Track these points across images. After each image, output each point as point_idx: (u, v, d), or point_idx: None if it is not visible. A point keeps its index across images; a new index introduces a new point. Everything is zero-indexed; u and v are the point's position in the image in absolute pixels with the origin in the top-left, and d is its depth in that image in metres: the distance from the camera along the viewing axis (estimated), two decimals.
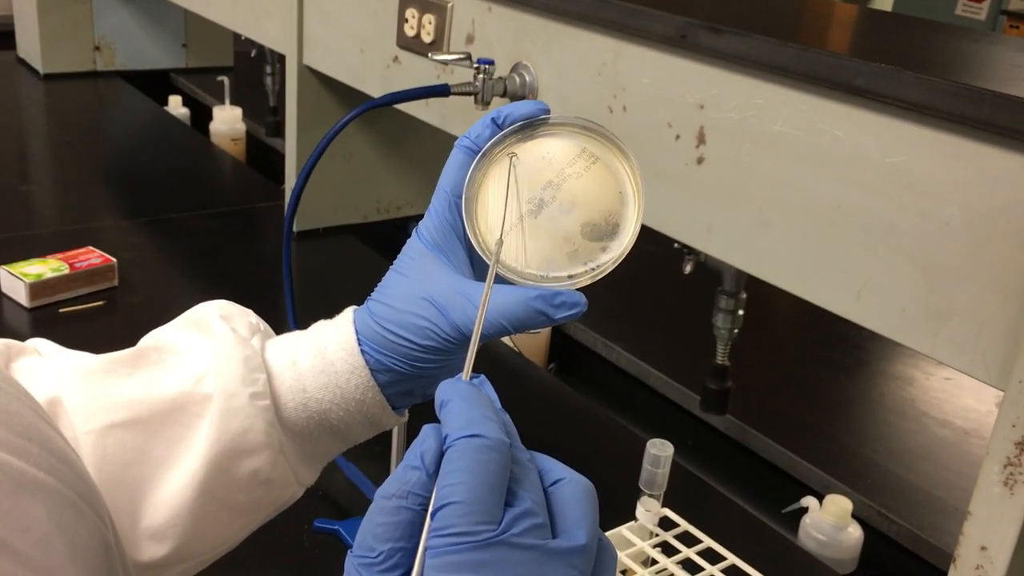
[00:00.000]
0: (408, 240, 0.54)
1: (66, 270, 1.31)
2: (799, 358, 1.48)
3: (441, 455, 0.38)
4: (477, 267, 0.53)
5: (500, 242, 0.50)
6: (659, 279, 1.60)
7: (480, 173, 0.51)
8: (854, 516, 1.03)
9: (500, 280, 0.50)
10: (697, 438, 1.26)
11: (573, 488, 0.40)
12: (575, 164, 0.52)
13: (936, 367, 1.37)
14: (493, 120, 0.52)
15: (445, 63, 1.11)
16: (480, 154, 0.52)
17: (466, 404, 0.40)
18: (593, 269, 0.50)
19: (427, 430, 0.39)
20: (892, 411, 1.30)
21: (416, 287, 0.52)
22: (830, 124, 0.77)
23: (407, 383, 0.55)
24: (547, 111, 0.52)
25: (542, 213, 0.51)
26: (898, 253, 0.74)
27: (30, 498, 0.34)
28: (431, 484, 0.38)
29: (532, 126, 0.52)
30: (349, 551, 0.39)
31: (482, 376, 0.43)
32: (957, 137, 0.70)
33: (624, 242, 0.51)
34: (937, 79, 0.69)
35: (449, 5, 1.16)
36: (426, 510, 0.37)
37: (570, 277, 0.50)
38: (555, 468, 0.41)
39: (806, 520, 1.05)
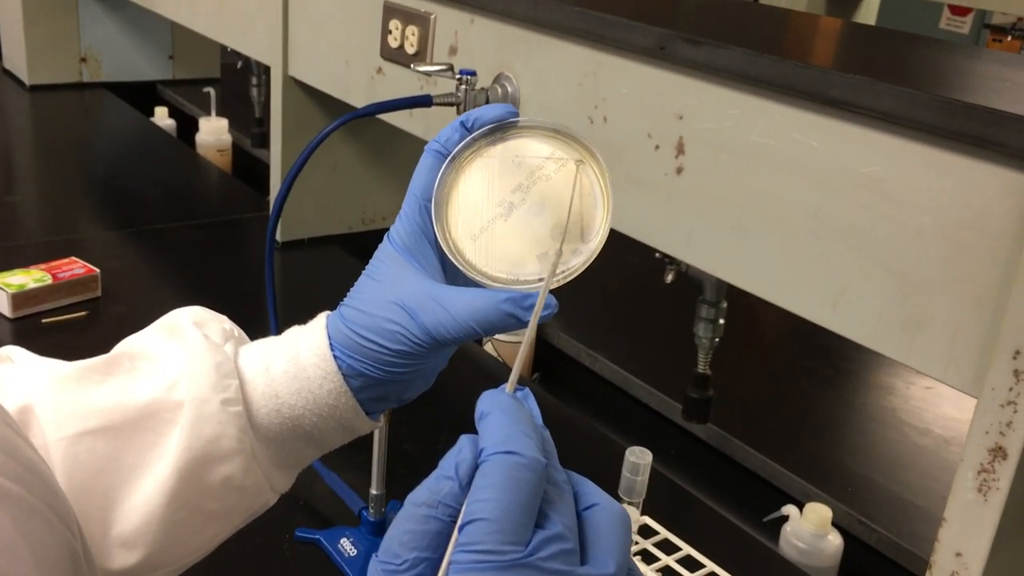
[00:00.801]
0: (380, 245, 0.54)
1: (49, 280, 1.31)
2: (781, 368, 1.49)
3: (475, 468, 0.38)
4: (448, 271, 0.54)
5: (559, 251, 0.50)
6: (642, 289, 1.60)
7: (450, 176, 0.52)
8: (834, 524, 1.03)
9: (469, 282, 0.51)
10: (680, 447, 1.27)
11: (607, 515, 0.39)
12: (545, 167, 0.52)
13: (917, 376, 1.37)
14: (462, 124, 0.52)
15: (428, 74, 1.11)
16: (449, 157, 0.52)
17: (506, 418, 0.39)
18: (563, 271, 0.51)
19: (464, 440, 0.39)
20: (873, 420, 1.31)
21: (387, 291, 0.52)
22: (806, 134, 0.78)
23: (380, 388, 0.55)
24: (516, 114, 0.52)
25: (512, 215, 0.51)
26: (873, 262, 0.75)
27: None
28: (463, 496, 0.38)
29: (502, 129, 0.53)
30: (374, 555, 0.38)
31: (526, 389, 0.43)
32: (930, 147, 0.71)
33: (594, 244, 0.51)
34: (910, 90, 0.70)
35: (432, 17, 1.17)
36: (455, 522, 0.37)
37: (540, 280, 0.51)
38: (591, 492, 0.40)
39: (787, 528, 1.05)
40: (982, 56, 0.95)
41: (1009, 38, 3.99)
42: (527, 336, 0.47)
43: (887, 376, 1.42)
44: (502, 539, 0.36)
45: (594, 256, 0.51)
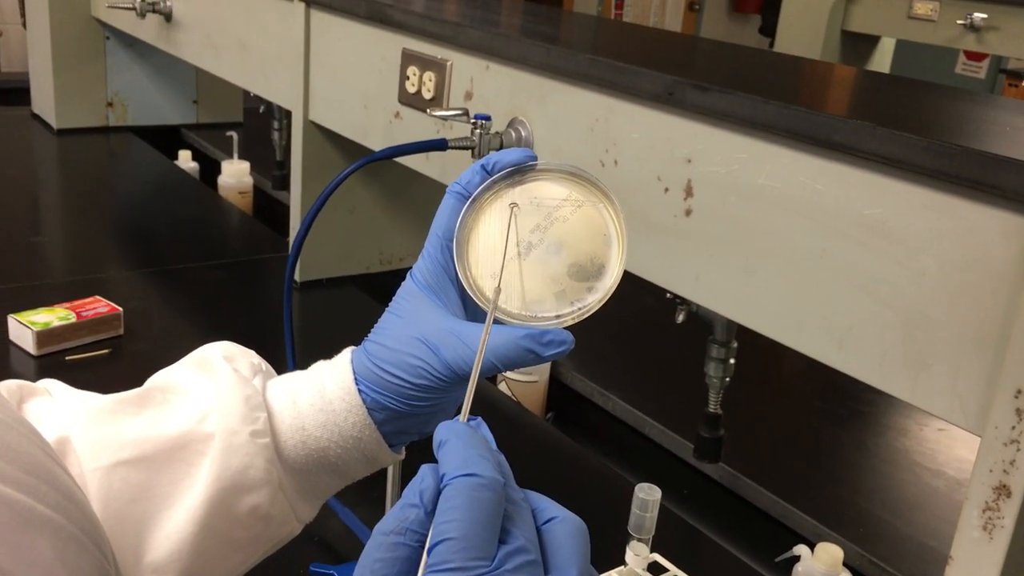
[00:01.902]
0: (403, 282, 0.56)
1: (73, 319, 1.34)
2: (794, 408, 1.49)
3: (439, 493, 0.39)
4: (469, 308, 0.56)
5: (498, 290, 0.52)
6: (654, 329, 1.62)
7: (471, 217, 0.54)
8: (846, 565, 1.03)
9: None
10: (692, 486, 1.27)
11: (565, 526, 0.41)
12: (562, 208, 0.54)
13: (930, 418, 1.38)
14: (483, 167, 0.55)
15: (444, 119, 1.15)
16: (470, 199, 0.54)
17: (462, 444, 0.41)
18: (580, 308, 0.53)
19: (425, 469, 0.41)
20: (886, 461, 1.31)
21: (410, 327, 0.54)
22: (811, 177, 0.80)
23: (403, 421, 0.57)
24: (534, 158, 0.55)
25: (530, 255, 0.53)
26: (877, 302, 0.77)
27: (36, 533, 0.36)
28: (428, 521, 0.39)
29: (520, 172, 0.55)
30: None
31: (479, 418, 0.45)
32: (930, 190, 0.72)
33: (609, 282, 0.53)
34: (910, 135, 0.72)
35: (449, 63, 1.20)
36: (423, 547, 0.39)
37: (557, 316, 0.53)
38: (548, 507, 0.42)
39: (798, 568, 1.05)
40: (987, 102, 0.97)
41: (1023, 83, 4.01)
42: (474, 371, 0.49)
43: (900, 417, 1.42)
44: (468, 556, 0.37)
45: (609, 294, 0.53)
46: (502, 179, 0.55)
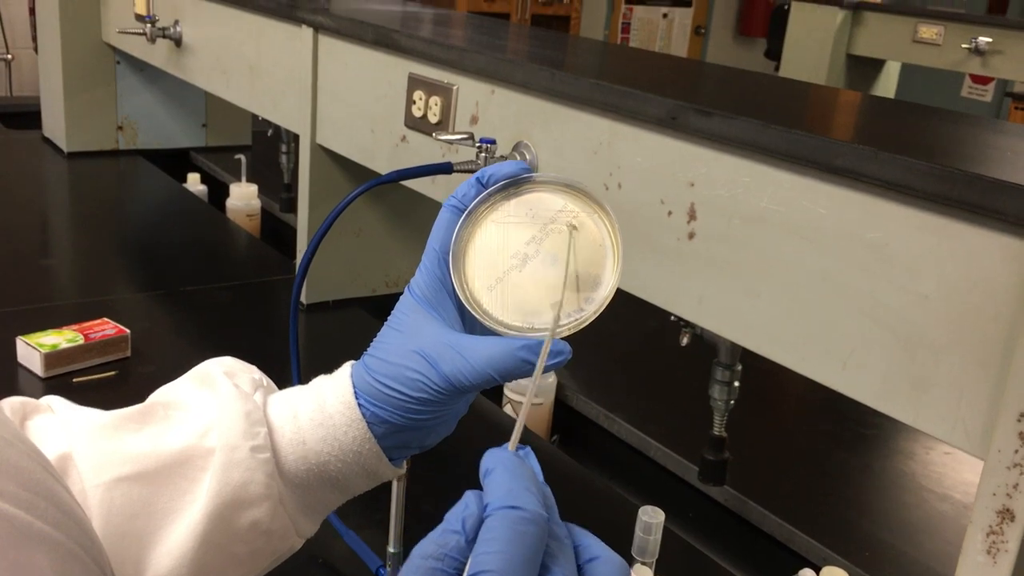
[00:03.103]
0: (401, 296, 0.57)
1: (81, 341, 1.35)
2: (800, 431, 1.49)
3: (481, 522, 0.39)
4: (467, 321, 0.56)
5: (556, 321, 0.52)
6: (659, 352, 1.62)
7: (466, 231, 0.55)
8: None
9: (487, 331, 0.53)
10: (697, 509, 1.27)
11: (607, 567, 0.41)
12: (557, 219, 0.55)
13: (936, 441, 1.37)
14: (478, 180, 0.55)
15: (450, 142, 1.15)
16: (466, 212, 0.55)
17: (509, 475, 0.41)
18: (576, 319, 0.53)
19: (469, 496, 0.41)
20: (892, 484, 1.31)
21: (408, 341, 0.55)
22: (813, 201, 0.81)
23: (403, 435, 0.57)
24: (529, 170, 0.55)
25: (526, 266, 0.54)
26: (880, 325, 0.77)
27: (35, 550, 0.36)
28: (468, 550, 0.39)
29: (516, 184, 0.55)
30: None
31: (528, 448, 0.45)
32: (932, 214, 0.73)
33: (605, 292, 0.54)
34: (912, 159, 0.73)
35: (455, 88, 1.21)
36: (460, 574, 0.38)
37: (555, 328, 0.53)
38: (592, 545, 0.42)
39: None
40: (988, 126, 0.98)
41: None
42: (529, 392, 0.49)
43: (907, 441, 1.42)
44: None
45: (604, 305, 0.53)
46: (497, 191, 0.55)
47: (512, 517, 0.39)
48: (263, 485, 0.55)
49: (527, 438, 1.30)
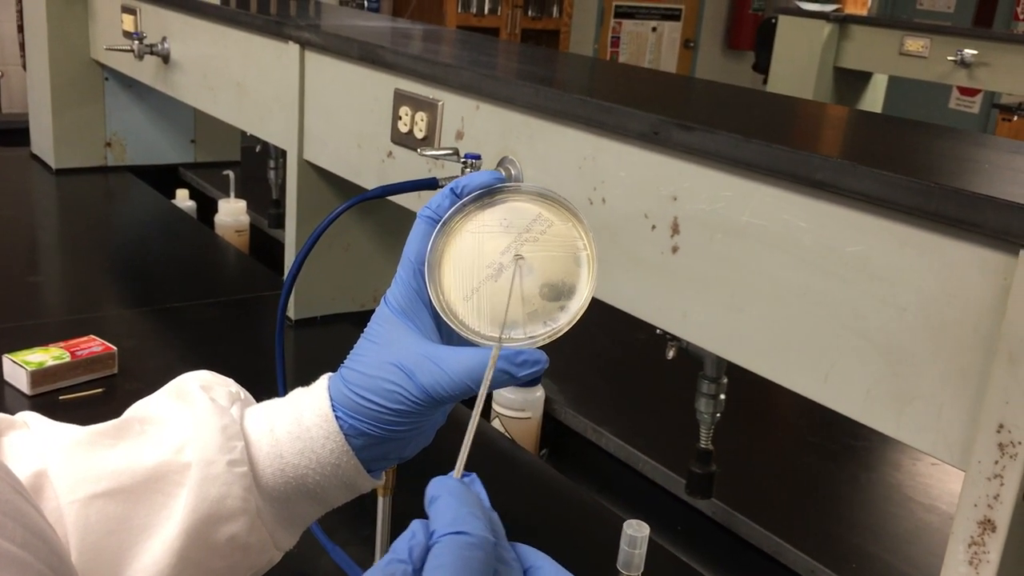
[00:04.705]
0: (377, 308, 0.57)
1: (67, 358, 1.34)
2: (788, 443, 1.49)
3: (428, 549, 0.40)
4: (443, 331, 0.56)
5: (499, 344, 0.52)
6: (646, 365, 1.62)
7: (442, 241, 0.55)
8: None
9: (463, 342, 0.53)
10: (685, 522, 1.27)
11: None
12: (532, 229, 0.55)
13: (922, 453, 1.38)
14: (452, 190, 0.56)
15: (435, 158, 1.16)
16: (440, 223, 0.55)
17: (454, 501, 0.41)
18: (552, 328, 0.53)
19: (415, 525, 0.41)
20: (879, 496, 1.31)
21: (385, 353, 0.55)
22: (794, 215, 0.81)
23: (381, 447, 0.57)
24: (503, 180, 0.56)
25: (502, 276, 0.54)
26: (861, 338, 0.77)
27: (1, 570, 0.37)
28: None
29: (490, 194, 0.56)
30: None
31: (473, 475, 0.45)
32: (911, 227, 0.73)
33: (580, 302, 0.54)
34: (890, 173, 0.73)
35: (440, 104, 1.22)
36: None
37: (530, 336, 0.53)
38: (543, 565, 0.42)
39: None
40: (968, 139, 0.99)
41: (1015, 118, 4.05)
42: (476, 407, 0.49)
43: (893, 452, 1.42)
44: None
45: (580, 313, 0.54)
46: (472, 202, 0.56)
47: (459, 542, 0.39)
48: (240, 499, 0.55)
49: (514, 453, 1.30)
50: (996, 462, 0.68)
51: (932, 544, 1.20)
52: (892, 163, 0.77)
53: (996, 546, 0.68)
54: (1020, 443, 0.66)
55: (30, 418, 0.58)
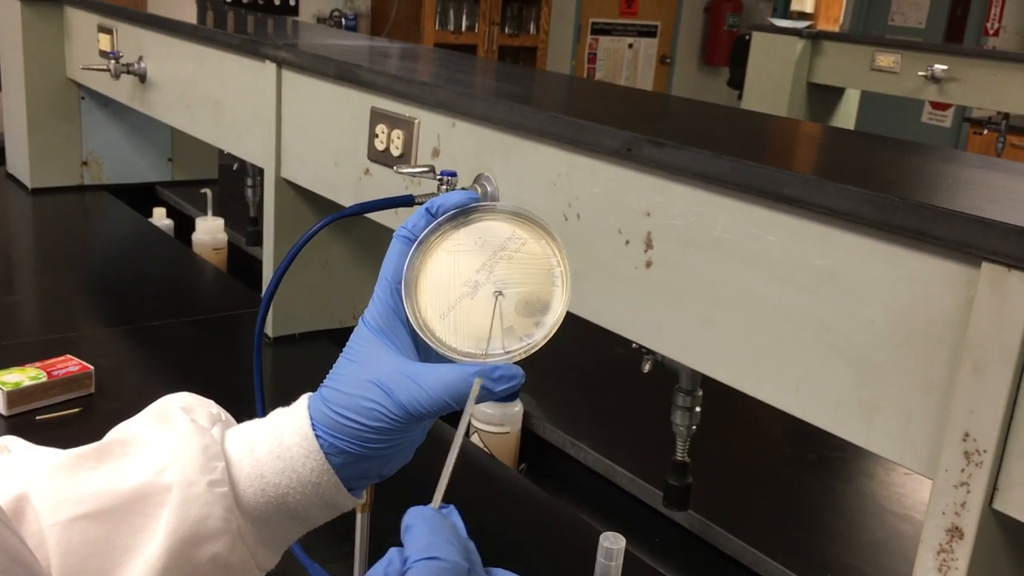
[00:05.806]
0: (356, 327, 0.58)
1: (44, 378, 1.34)
2: (762, 454, 1.51)
3: None
4: (421, 349, 0.57)
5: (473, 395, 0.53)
6: (623, 379, 1.63)
7: (418, 260, 0.56)
8: None
9: (441, 359, 0.54)
10: (663, 535, 1.28)
11: None
12: (506, 247, 0.56)
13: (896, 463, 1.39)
14: (427, 210, 0.57)
15: (412, 175, 1.17)
16: (417, 242, 0.56)
17: (428, 528, 0.42)
18: (528, 344, 0.55)
19: (391, 552, 0.42)
20: (853, 506, 1.33)
21: (363, 371, 0.56)
22: (763, 229, 0.83)
23: (361, 465, 0.58)
24: (477, 199, 0.57)
25: (477, 294, 0.55)
26: (831, 349, 0.79)
27: None
28: None
29: (464, 213, 0.57)
30: None
31: (451, 506, 0.46)
32: (876, 241, 0.75)
33: (555, 317, 0.55)
34: (856, 188, 0.75)
35: (416, 122, 1.23)
36: None
37: (507, 352, 0.54)
38: None
39: None
40: (933, 155, 1.01)
41: (986, 131, 4.11)
42: (460, 425, 0.50)
43: (867, 462, 1.44)
44: None
45: (555, 329, 0.55)
46: (447, 221, 0.57)
47: (431, 568, 0.40)
48: (221, 519, 0.56)
49: (493, 468, 1.30)
50: (962, 470, 0.69)
51: (906, 552, 1.21)
52: (859, 178, 0.79)
53: (964, 553, 0.70)
54: (985, 451, 0.68)
55: (11, 442, 0.58)
